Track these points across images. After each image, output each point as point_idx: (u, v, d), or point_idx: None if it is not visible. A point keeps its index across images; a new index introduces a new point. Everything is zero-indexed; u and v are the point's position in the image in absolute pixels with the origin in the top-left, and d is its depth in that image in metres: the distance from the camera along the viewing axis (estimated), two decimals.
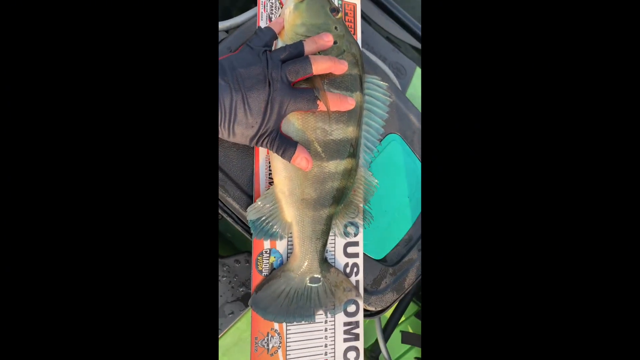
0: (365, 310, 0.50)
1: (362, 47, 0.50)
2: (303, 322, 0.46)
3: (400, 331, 0.67)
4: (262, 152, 0.45)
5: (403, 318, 0.74)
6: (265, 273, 0.45)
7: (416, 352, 0.73)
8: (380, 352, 0.62)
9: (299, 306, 0.45)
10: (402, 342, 0.66)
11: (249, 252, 0.55)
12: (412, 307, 0.74)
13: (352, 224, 0.47)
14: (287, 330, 0.45)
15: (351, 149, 0.44)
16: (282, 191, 0.44)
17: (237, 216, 0.46)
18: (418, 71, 0.72)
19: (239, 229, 0.46)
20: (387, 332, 0.63)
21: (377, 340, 0.62)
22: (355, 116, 0.44)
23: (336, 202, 0.45)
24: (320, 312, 0.46)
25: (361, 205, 0.47)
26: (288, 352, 0.45)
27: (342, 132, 0.43)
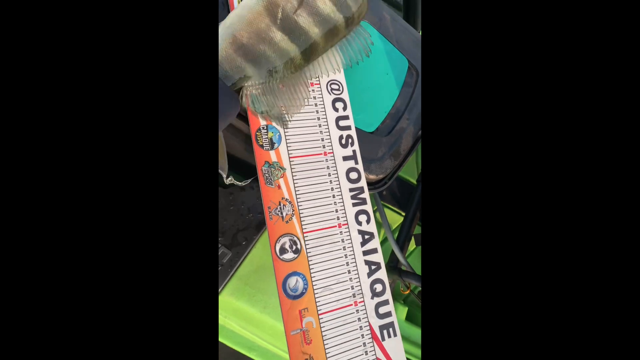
0: (367, 180, 0.52)
1: None
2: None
3: (413, 235, 0.68)
4: None
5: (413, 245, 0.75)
6: (266, 148, 0.47)
7: None
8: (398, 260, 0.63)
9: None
10: (417, 244, 0.67)
11: (255, 179, 0.57)
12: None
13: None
14: (297, 198, 0.47)
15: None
16: None
17: None
18: None
19: None
20: (400, 242, 0.65)
21: (392, 251, 0.63)
22: (327, 26, 0.45)
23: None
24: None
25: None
26: (302, 219, 0.46)
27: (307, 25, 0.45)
